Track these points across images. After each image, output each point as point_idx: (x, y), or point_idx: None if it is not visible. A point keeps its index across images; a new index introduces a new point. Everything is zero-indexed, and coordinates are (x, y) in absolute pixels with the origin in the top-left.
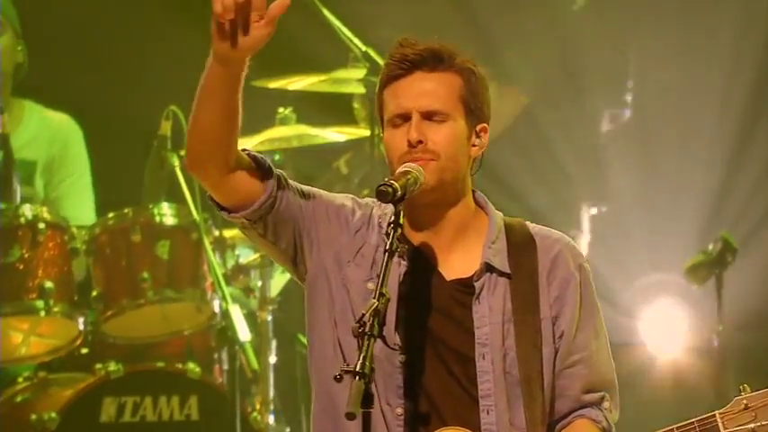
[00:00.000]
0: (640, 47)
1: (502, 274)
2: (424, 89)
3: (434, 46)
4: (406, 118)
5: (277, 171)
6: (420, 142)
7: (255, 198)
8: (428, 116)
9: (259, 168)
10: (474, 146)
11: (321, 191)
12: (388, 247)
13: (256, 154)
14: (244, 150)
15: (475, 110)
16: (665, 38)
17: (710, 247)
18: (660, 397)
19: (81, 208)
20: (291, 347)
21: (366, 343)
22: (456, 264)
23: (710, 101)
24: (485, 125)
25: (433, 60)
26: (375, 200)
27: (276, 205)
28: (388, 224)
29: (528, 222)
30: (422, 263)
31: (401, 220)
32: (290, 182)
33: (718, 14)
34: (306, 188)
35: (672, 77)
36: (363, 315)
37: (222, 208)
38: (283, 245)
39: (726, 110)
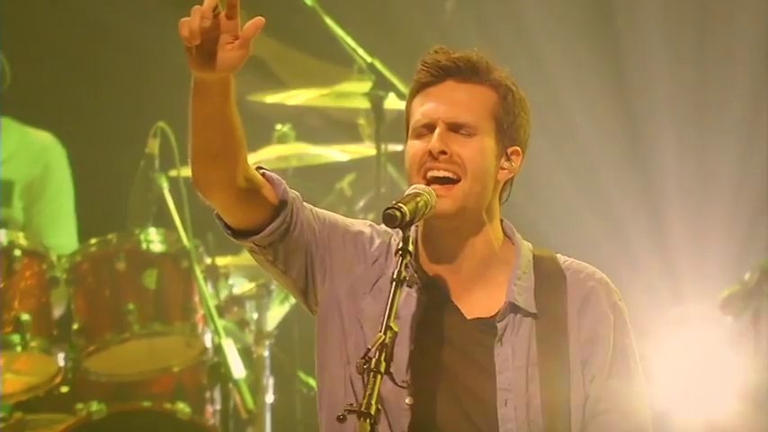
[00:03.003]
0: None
1: (527, 314)
2: (453, 99)
3: (471, 56)
4: (431, 128)
5: (292, 193)
6: (443, 153)
7: (267, 222)
8: (455, 128)
9: (273, 190)
10: (503, 169)
11: (337, 215)
12: (395, 277)
13: (272, 173)
14: (258, 169)
15: (508, 130)
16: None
17: (747, 276)
18: None
19: (65, 236)
20: (290, 386)
21: (372, 380)
22: (478, 300)
23: (738, 124)
24: (517, 148)
25: (467, 70)
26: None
27: (289, 232)
28: (396, 251)
29: (559, 255)
30: (440, 297)
31: (410, 247)
32: (305, 204)
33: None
34: (321, 212)
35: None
36: (369, 350)
37: (230, 230)
38: (294, 274)
39: (757, 132)
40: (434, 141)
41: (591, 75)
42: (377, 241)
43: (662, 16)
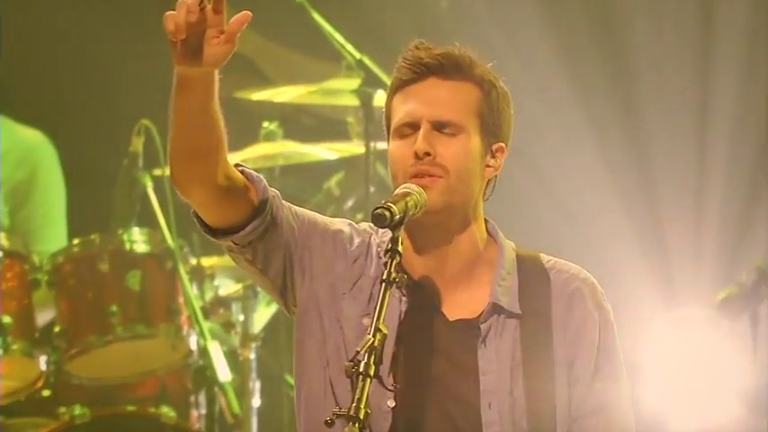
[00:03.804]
0: None
1: (511, 315)
2: (436, 97)
3: (454, 52)
4: (414, 127)
5: (272, 191)
6: (427, 154)
7: (246, 221)
8: (439, 127)
9: (253, 187)
10: (488, 167)
11: (317, 214)
12: (384, 277)
13: (251, 171)
14: (238, 166)
15: (492, 127)
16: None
17: (744, 277)
18: None
19: (56, 240)
20: (277, 389)
21: (360, 384)
22: (461, 301)
23: (732, 124)
24: (502, 145)
25: (450, 67)
26: (372, 225)
27: (268, 231)
28: (385, 251)
29: (542, 255)
30: (422, 299)
31: (400, 248)
32: (285, 203)
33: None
34: (300, 210)
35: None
36: (358, 352)
37: (208, 229)
38: (272, 273)
39: (752, 130)
40: (419, 142)
41: (586, 71)
42: (356, 240)
43: (659, 13)
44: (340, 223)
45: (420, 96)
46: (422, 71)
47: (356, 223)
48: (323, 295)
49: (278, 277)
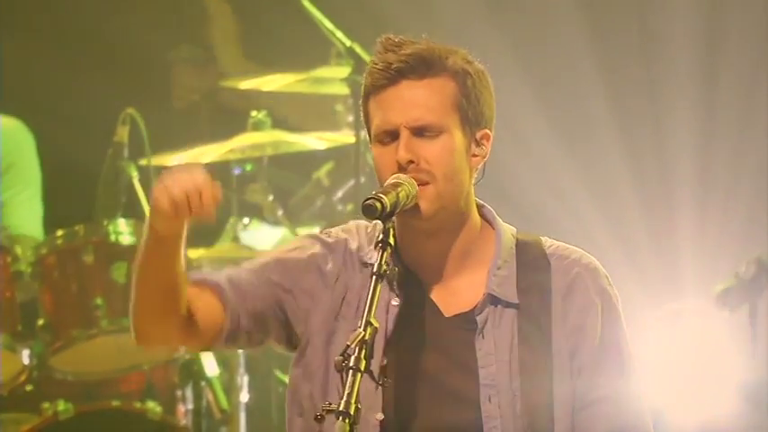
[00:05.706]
0: None
1: (509, 305)
2: (412, 100)
3: (422, 49)
4: (393, 135)
5: (225, 285)
6: (411, 162)
7: (219, 328)
8: (418, 132)
9: (213, 294)
10: (475, 156)
11: (281, 254)
12: (375, 270)
13: (205, 277)
14: (203, 282)
15: (473, 116)
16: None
17: (743, 269)
18: None
19: (27, 219)
20: (266, 384)
21: (351, 379)
22: (457, 294)
23: (735, 117)
24: (486, 132)
25: (421, 66)
26: (346, 229)
27: (243, 323)
28: (376, 244)
29: (545, 239)
30: (416, 294)
31: (391, 240)
32: (244, 274)
33: None
34: (263, 263)
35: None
36: (348, 347)
37: None
38: (274, 334)
39: (754, 124)
40: (401, 152)
41: (590, 59)
42: (330, 258)
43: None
44: (308, 245)
45: (395, 102)
46: (393, 76)
47: (327, 229)
48: (318, 327)
49: (281, 334)
